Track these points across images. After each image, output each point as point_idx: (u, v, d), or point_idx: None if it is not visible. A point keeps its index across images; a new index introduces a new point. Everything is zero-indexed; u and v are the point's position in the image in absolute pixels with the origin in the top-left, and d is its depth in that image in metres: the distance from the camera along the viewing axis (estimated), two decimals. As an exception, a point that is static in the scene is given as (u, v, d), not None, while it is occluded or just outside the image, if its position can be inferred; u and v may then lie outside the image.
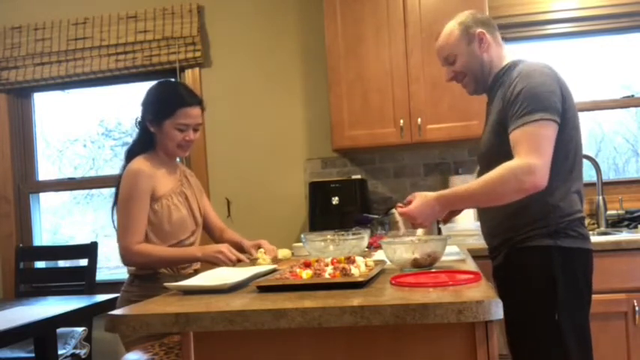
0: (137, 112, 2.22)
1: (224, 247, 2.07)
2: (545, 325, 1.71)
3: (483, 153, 1.90)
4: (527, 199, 1.73)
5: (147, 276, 2.10)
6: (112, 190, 2.22)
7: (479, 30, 1.87)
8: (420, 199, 1.78)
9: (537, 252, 1.74)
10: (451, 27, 1.91)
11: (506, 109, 1.73)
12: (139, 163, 2.10)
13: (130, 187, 2.05)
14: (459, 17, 1.91)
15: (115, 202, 2.16)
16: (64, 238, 4.01)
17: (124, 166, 2.15)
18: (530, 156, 1.62)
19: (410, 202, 1.81)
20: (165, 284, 1.60)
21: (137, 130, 2.22)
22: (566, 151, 1.75)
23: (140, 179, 2.05)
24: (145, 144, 2.18)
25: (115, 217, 2.15)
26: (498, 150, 1.75)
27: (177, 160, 2.34)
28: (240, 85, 3.52)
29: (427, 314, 1.12)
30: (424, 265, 1.63)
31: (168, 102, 2.12)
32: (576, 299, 1.74)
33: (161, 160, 2.18)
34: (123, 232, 2.04)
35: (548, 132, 1.65)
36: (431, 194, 1.77)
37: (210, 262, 2.07)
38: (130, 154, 2.16)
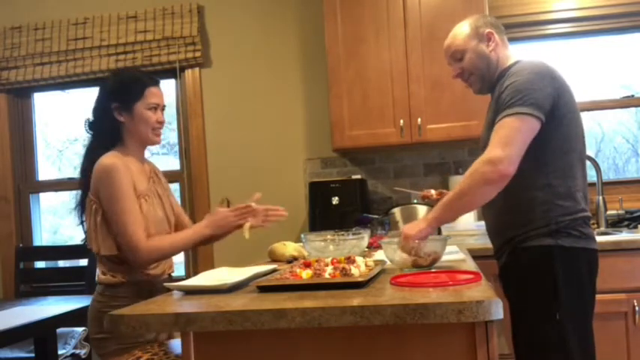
0: (88, 115, 2.06)
1: (227, 213, 2.00)
2: (546, 325, 1.71)
3: (481, 149, 1.90)
4: (527, 196, 1.74)
5: (118, 285, 1.95)
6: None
7: (488, 30, 1.92)
8: (411, 226, 1.74)
9: (539, 252, 1.74)
10: (461, 25, 1.96)
11: (497, 108, 1.76)
12: (110, 158, 1.92)
13: (114, 184, 1.88)
14: (471, 18, 1.97)
15: (82, 205, 2.01)
16: (64, 238, 4.01)
17: (86, 167, 1.97)
18: (494, 149, 1.65)
19: (427, 196, 1.85)
20: (166, 284, 1.59)
21: (91, 132, 2.05)
22: (564, 148, 1.76)
23: (119, 174, 1.89)
24: (112, 139, 2.01)
25: (86, 224, 2.00)
26: None
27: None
28: (240, 85, 3.52)
29: (427, 314, 1.12)
30: (424, 265, 1.63)
31: (135, 84, 2.01)
32: (579, 299, 1.74)
33: (131, 154, 2.03)
34: (126, 231, 1.87)
35: (521, 125, 1.67)
36: (419, 222, 1.75)
37: (222, 231, 2.01)
38: (97, 152, 1.97)
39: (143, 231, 1.90)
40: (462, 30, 1.94)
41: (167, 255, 1.99)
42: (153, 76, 2.09)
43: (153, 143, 2.08)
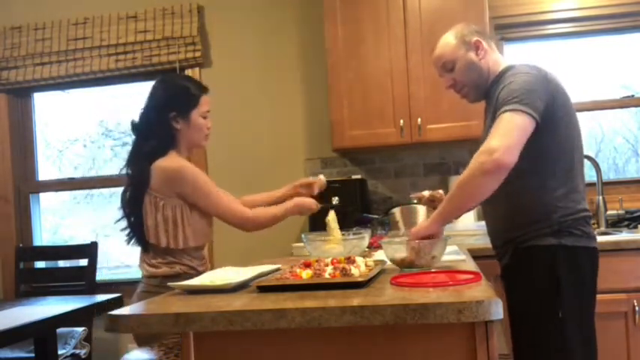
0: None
1: (312, 203, 2.27)
2: (549, 325, 1.71)
3: None
4: (528, 199, 1.74)
5: (181, 275, 2.04)
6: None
7: (475, 39, 1.91)
8: (416, 228, 1.76)
9: (542, 251, 1.75)
10: (448, 37, 1.96)
11: (496, 110, 1.75)
12: (178, 159, 2.08)
13: (198, 179, 2.05)
14: (454, 28, 1.96)
15: (132, 203, 2.08)
16: (64, 238, 4.01)
17: (143, 168, 2.06)
18: (491, 140, 1.63)
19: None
20: (170, 283, 1.60)
21: (141, 136, 2.13)
22: (561, 151, 1.76)
23: (196, 170, 2.07)
24: (169, 143, 2.10)
25: (147, 220, 2.05)
26: None
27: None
28: (240, 85, 3.52)
29: (427, 314, 1.12)
30: (424, 265, 1.63)
31: (191, 92, 2.13)
32: (581, 298, 1.75)
33: (183, 155, 2.15)
34: (231, 211, 2.09)
35: (517, 119, 1.65)
36: (424, 221, 1.77)
37: (301, 214, 2.33)
38: (155, 155, 2.06)
39: (242, 205, 2.16)
40: (448, 41, 1.94)
41: (274, 220, 2.19)
42: (203, 84, 2.23)
43: (201, 147, 2.30)
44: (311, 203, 2.27)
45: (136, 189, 2.07)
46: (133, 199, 2.08)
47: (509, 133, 1.63)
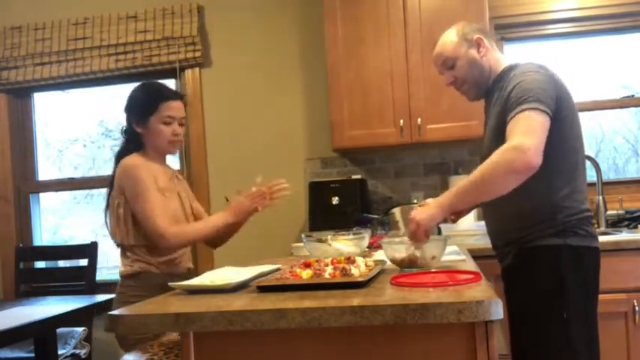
0: (121, 120, 2.26)
1: (242, 199, 2.20)
2: (553, 325, 1.71)
3: (485, 156, 1.90)
4: (532, 200, 1.73)
5: (140, 274, 2.11)
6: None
7: (477, 36, 1.91)
8: (422, 210, 1.70)
9: (547, 251, 1.74)
10: (449, 34, 1.95)
11: (504, 110, 1.74)
12: (132, 159, 2.13)
13: (136, 179, 2.05)
14: (456, 26, 1.96)
15: (108, 204, 2.17)
16: (64, 238, 4.01)
17: (114, 168, 2.17)
18: (519, 137, 1.59)
19: None
20: (170, 283, 1.60)
21: (123, 137, 2.25)
22: (566, 150, 1.76)
23: (140, 170, 2.08)
24: (137, 145, 2.19)
25: (109, 219, 2.17)
26: None
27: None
28: (240, 85, 3.52)
29: (427, 314, 1.12)
30: (424, 265, 1.63)
31: (151, 98, 2.17)
32: (585, 298, 1.75)
33: (152, 157, 2.19)
34: (150, 220, 2.02)
35: (539, 119, 1.63)
36: (431, 206, 1.69)
37: (240, 217, 2.21)
38: (123, 155, 2.17)
39: (167, 220, 2.05)
40: (450, 38, 1.93)
41: (191, 238, 2.14)
42: (172, 90, 2.25)
43: (169, 152, 2.26)
44: (241, 199, 2.20)
45: (109, 190, 2.17)
46: (106, 199, 2.18)
47: (535, 133, 1.59)
